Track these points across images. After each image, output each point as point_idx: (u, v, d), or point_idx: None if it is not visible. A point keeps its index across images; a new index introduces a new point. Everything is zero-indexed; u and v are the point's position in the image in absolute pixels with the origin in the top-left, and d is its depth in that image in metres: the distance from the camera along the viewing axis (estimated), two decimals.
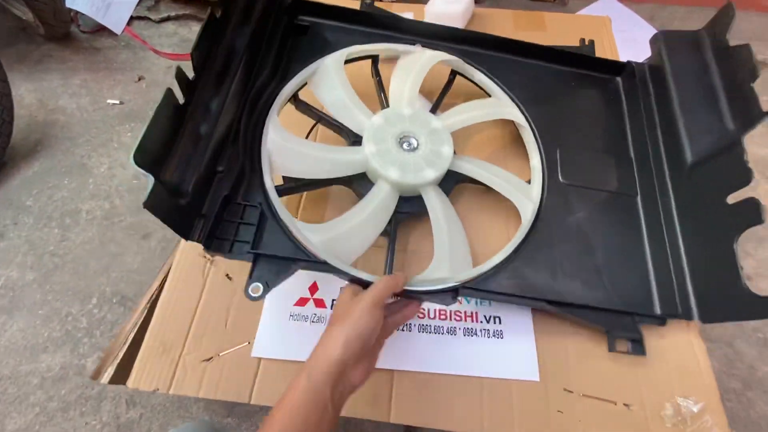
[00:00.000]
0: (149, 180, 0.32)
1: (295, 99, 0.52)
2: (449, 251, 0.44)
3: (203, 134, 0.41)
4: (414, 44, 0.56)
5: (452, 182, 0.50)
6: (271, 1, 0.52)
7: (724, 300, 0.42)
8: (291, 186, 0.48)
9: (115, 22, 1.38)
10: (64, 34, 1.36)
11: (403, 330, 0.46)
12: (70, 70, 1.31)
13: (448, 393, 0.42)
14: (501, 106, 0.55)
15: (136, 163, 0.31)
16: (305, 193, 0.54)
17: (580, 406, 0.42)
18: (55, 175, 1.09)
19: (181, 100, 0.38)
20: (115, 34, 1.37)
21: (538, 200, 0.49)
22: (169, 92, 0.36)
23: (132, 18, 1.41)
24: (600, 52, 0.67)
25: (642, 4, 1.52)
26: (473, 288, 0.43)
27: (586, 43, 0.67)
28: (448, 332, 0.46)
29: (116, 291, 0.92)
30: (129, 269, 0.95)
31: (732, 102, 0.47)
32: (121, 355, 0.50)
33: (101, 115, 1.21)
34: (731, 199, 0.42)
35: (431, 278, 0.42)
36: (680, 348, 0.44)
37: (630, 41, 1.36)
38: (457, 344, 0.45)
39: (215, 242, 0.40)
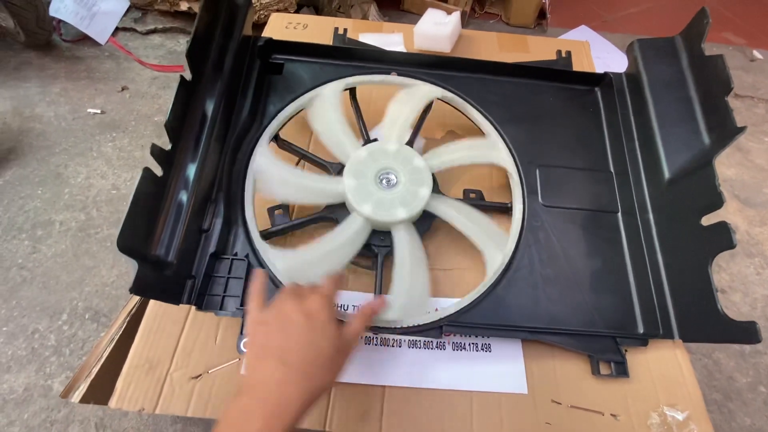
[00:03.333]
0: (133, 266, 0.32)
1: (276, 138, 0.53)
2: (406, 296, 0.44)
3: (185, 201, 0.41)
4: (389, 73, 0.57)
5: (429, 220, 0.50)
6: (242, 46, 0.53)
7: (703, 321, 0.42)
8: (277, 229, 0.49)
9: (100, 32, 1.37)
10: (45, 43, 1.33)
11: (393, 346, 0.45)
12: (49, 78, 1.27)
13: (438, 408, 0.42)
14: (490, 148, 0.55)
15: (121, 249, 0.32)
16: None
17: (568, 418, 0.42)
18: (28, 185, 1.05)
19: (159, 172, 0.39)
20: (99, 44, 1.36)
21: (519, 228, 0.49)
22: (146, 171, 0.36)
23: (117, 29, 1.40)
24: None
25: (615, 33, 1.62)
26: (456, 324, 0.43)
27: (563, 55, 0.67)
28: (437, 347, 0.45)
29: (89, 306, 0.88)
30: (104, 283, 0.91)
31: (707, 115, 0.48)
32: (94, 372, 0.47)
33: (80, 124, 1.18)
34: (705, 220, 0.42)
35: (381, 320, 0.42)
36: (665, 359, 0.45)
37: (605, 67, 1.44)
38: (447, 358, 0.45)
39: (206, 300, 0.42)
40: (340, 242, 0.45)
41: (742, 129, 0.42)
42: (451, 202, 0.50)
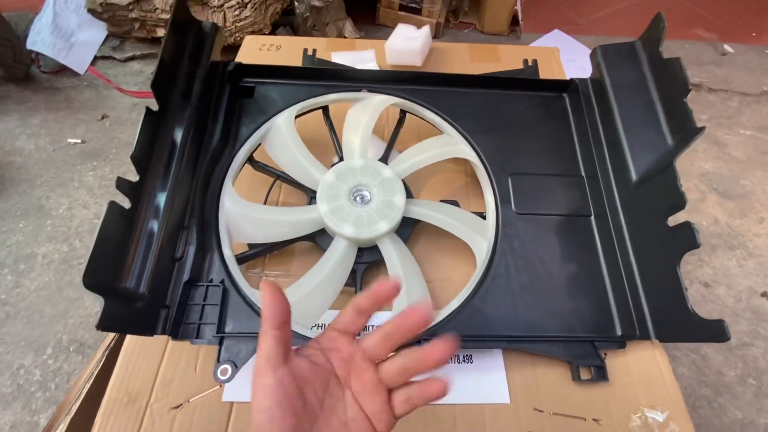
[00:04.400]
0: (99, 302, 0.32)
1: (251, 161, 0.53)
2: (407, 304, 0.44)
3: (156, 231, 0.41)
4: (360, 90, 0.58)
5: (410, 226, 0.51)
6: (211, 72, 0.53)
7: (676, 322, 0.42)
8: (254, 252, 0.49)
9: (78, 62, 1.37)
10: (24, 76, 1.34)
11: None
12: (29, 111, 1.27)
13: (422, 424, 0.42)
14: (450, 144, 0.56)
15: (87, 287, 0.31)
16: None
17: (551, 425, 0.42)
18: (9, 219, 1.04)
19: (127, 205, 0.38)
20: (78, 74, 1.36)
21: (493, 236, 0.50)
22: (112, 205, 0.36)
23: (96, 57, 1.40)
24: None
25: (588, 36, 1.66)
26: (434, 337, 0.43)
27: (530, 63, 0.68)
28: None
29: (74, 338, 0.87)
30: (88, 314, 0.90)
31: (669, 117, 0.49)
32: (74, 409, 0.47)
33: (61, 154, 1.18)
34: (672, 220, 0.43)
35: None
36: (643, 360, 0.46)
37: (579, 69, 1.48)
38: (429, 373, 0.45)
39: (182, 329, 0.41)
40: (331, 269, 0.44)
41: (700, 130, 0.43)
42: (427, 203, 0.51)
